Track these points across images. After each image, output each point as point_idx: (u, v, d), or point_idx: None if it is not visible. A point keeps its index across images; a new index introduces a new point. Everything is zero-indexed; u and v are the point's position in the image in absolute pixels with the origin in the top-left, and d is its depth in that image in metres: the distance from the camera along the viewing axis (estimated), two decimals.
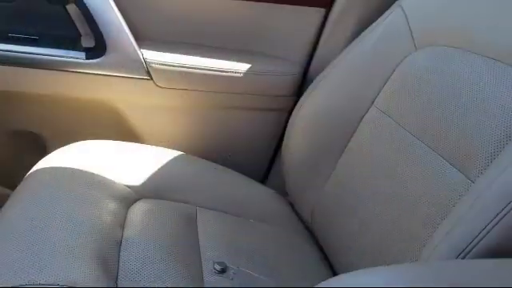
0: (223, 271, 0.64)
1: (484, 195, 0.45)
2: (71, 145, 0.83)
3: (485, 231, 0.42)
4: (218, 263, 0.64)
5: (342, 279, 0.36)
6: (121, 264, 0.60)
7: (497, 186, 0.44)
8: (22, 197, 0.69)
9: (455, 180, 0.55)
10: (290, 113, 0.92)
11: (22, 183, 0.74)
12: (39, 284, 0.52)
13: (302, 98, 0.89)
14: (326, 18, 0.98)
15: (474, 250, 0.42)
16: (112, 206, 0.69)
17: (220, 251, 0.68)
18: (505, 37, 0.60)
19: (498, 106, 0.55)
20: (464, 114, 0.59)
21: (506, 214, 0.42)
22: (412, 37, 0.75)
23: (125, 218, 0.69)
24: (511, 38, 0.59)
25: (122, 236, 0.65)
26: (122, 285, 0.57)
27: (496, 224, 0.42)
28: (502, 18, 0.62)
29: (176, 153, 0.89)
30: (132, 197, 0.74)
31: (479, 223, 0.43)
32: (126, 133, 0.98)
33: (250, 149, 1.04)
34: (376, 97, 0.76)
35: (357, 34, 0.88)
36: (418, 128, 0.65)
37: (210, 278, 0.63)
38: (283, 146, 0.91)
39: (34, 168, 0.76)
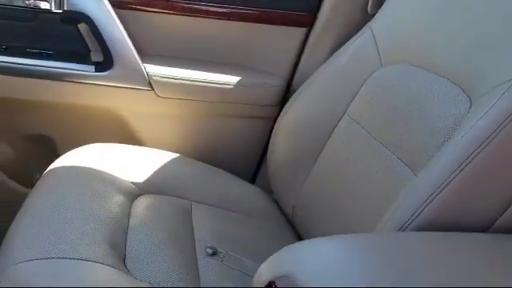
0: (214, 254, 0.74)
1: (419, 185, 0.57)
2: (82, 147, 0.91)
3: (417, 212, 0.53)
4: (210, 247, 0.75)
5: (306, 243, 0.47)
6: (127, 248, 0.70)
7: (429, 178, 0.56)
8: (42, 192, 0.78)
9: (406, 175, 0.66)
10: (275, 120, 1.00)
11: (40, 180, 0.83)
12: (52, 257, 0.62)
13: (285, 108, 0.97)
14: (307, 36, 1.05)
15: (409, 227, 0.53)
16: (119, 199, 0.79)
17: (211, 238, 0.78)
18: (451, 58, 0.71)
19: (440, 115, 0.66)
20: (415, 123, 0.70)
21: (432, 200, 0.53)
22: (379, 55, 0.86)
23: (130, 209, 0.79)
24: (456, 59, 0.70)
25: (128, 225, 0.75)
26: (129, 265, 0.67)
27: (425, 207, 0.53)
28: (451, 43, 0.73)
29: (174, 155, 0.97)
30: (136, 192, 0.84)
31: (414, 206, 0.54)
32: (129, 137, 1.05)
33: (241, 152, 1.11)
34: (347, 108, 0.87)
35: (334, 50, 0.96)
36: (380, 133, 0.76)
37: (202, 260, 0.73)
38: (269, 151, 0.99)
39: (51, 167, 0.85)
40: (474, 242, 0.53)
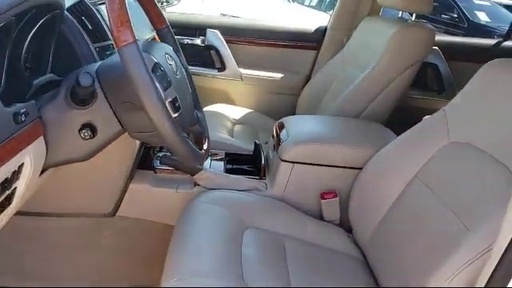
0: (266, 143, 1.85)
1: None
2: (210, 106, 2.06)
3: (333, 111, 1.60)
4: (265, 141, 1.86)
5: (297, 115, 1.57)
6: (234, 135, 1.84)
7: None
8: None
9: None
10: (299, 95, 2.09)
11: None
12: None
13: (304, 88, 2.04)
14: (317, 55, 2.12)
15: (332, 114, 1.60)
16: (228, 123, 1.91)
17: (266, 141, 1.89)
18: (363, 61, 1.75)
19: None
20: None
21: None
22: (344, 64, 1.92)
23: (233, 127, 1.91)
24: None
25: (233, 129, 1.89)
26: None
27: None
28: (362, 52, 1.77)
29: (250, 110, 2.06)
30: (234, 122, 1.95)
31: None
32: (231, 102, 2.15)
33: (284, 109, 2.12)
34: (330, 87, 1.94)
35: (328, 60, 2.05)
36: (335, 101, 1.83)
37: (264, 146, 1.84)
38: (297, 109, 2.09)
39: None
40: (350, 120, 1.59)
